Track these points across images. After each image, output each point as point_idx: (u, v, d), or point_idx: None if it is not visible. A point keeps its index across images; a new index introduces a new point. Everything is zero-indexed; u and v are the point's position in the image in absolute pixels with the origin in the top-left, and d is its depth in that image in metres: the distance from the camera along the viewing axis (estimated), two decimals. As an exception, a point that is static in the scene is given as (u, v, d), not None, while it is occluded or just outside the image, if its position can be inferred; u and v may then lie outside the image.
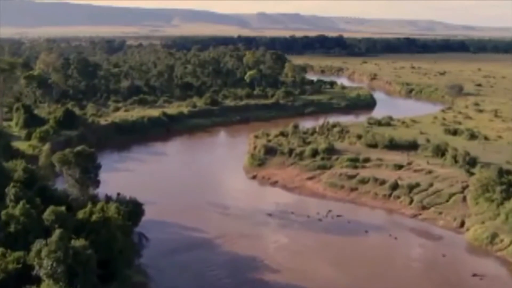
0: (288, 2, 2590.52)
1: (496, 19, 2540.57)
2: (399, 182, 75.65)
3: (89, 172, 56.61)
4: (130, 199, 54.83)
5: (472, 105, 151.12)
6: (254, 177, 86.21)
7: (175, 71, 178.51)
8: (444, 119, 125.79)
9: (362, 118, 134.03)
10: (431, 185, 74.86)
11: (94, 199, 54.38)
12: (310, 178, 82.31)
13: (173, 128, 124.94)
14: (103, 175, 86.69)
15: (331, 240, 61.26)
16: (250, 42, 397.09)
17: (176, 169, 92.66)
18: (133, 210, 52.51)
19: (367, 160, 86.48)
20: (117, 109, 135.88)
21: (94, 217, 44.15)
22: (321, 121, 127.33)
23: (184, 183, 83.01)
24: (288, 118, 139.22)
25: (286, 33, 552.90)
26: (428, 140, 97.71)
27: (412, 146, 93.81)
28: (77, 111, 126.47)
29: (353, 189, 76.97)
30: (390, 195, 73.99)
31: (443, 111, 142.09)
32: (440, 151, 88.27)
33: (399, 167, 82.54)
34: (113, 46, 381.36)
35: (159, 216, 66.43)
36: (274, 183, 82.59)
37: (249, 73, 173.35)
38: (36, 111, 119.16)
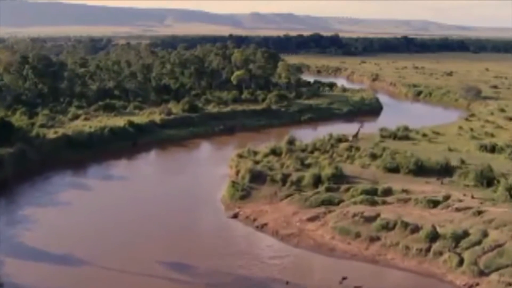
0: (282, 2, 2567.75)
1: (491, 19, 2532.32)
2: (439, 230, 53.05)
3: None
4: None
5: (497, 111, 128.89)
6: (235, 216, 62.96)
7: (153, 71, 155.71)
8: (471, 129, 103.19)
9: (369, 127, 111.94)
10: (485, 234, 52.16)
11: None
12: (312, 219, 59.24)
13: (141, 141, 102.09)
14: (30, 211, 64.87)
15: None
16: (242, 41, 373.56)
17: (130, 203, 69.01)
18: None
19: (388, 191, 63.88)
20: (76, 117, 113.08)
21: None
22: (319, 130, 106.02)
23: (135, 228, 59.30)
24: (282, 127, 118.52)
25: (280, 33, 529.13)
26: (462, 161, 75.31)
27: (444, 170, 71.44)
28: (25, 120, 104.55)
29: (373, 239, 53.89)
30: (427, 250, 51.14)
31: (467, 119, 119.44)
32: (485, 179, 65.91)
33: (434, 203, 59.91)
34: (97, 45, 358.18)
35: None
36: (262, 227, 59.27)
37: (236, 73, 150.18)
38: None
